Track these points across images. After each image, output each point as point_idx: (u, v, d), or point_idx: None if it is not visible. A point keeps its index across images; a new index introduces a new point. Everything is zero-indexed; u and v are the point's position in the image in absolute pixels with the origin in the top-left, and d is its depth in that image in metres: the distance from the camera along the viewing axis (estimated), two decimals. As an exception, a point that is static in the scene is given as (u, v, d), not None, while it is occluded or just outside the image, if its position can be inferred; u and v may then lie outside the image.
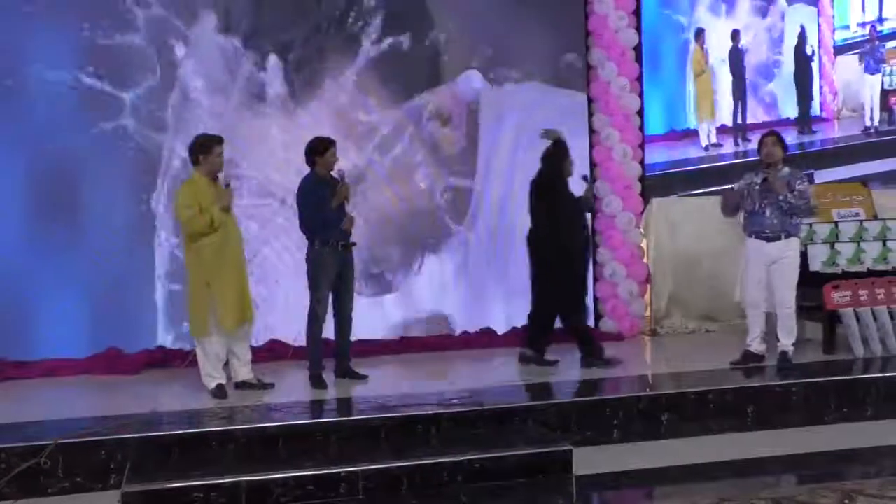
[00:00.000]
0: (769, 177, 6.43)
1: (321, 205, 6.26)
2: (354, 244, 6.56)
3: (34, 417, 5.64)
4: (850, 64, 10.26)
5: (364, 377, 6.53)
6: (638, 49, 8.39)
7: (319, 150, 6.36)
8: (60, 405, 6.07)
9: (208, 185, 6.06)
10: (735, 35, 9.67)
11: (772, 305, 6.69)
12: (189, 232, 6.03)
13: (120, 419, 5.48)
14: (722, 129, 9.68)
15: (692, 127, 9.54)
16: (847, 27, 10.29)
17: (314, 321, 6.39)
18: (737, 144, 9.77)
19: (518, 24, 8.12)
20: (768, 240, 6.50)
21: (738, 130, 9.73)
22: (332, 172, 6.40)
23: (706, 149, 9.58)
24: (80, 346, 7.15)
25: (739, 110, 9.74)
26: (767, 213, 6.47)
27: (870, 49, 10.28)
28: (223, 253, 6.04)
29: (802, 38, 9.98)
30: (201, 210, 5.95)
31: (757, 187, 6.54)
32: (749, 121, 9.72)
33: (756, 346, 6.78)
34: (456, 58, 8.05)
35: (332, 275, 6.35)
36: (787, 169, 6.50)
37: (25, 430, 5.31)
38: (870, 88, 10.33)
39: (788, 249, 6.52)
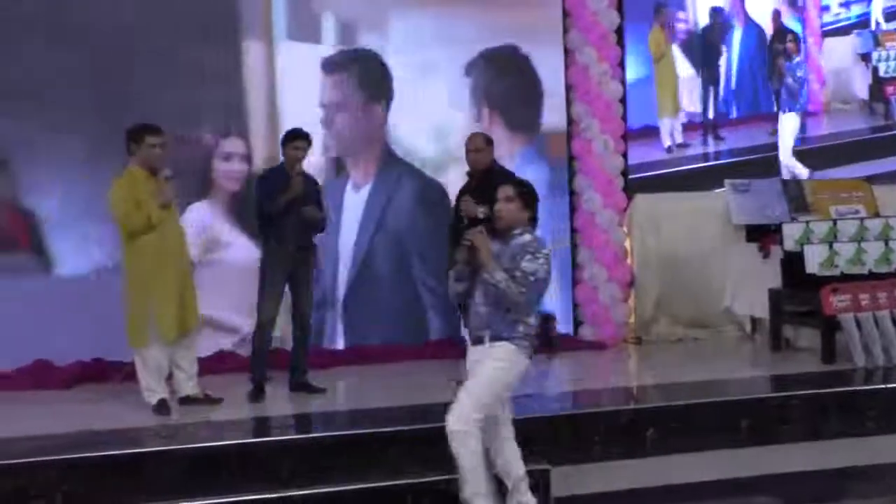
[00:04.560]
0: (475, 241, 4.61)
1: (272, 193, 6.26)
2: (315, 246, 6.53)
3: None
4: (839, 49, 9.77)
5: (321, 390, 6.47)
6: (620, 31, 8.40)
7: (283, 140, 6.44)
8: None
9: (146, 179, 5.98)
10: (715, 13, 9.11)
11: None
12: (126, 230, 5.96)
13: (48, 440, 5.39)
14: (690, 126, 9.04)
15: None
16: (828, 8, 9.80)
17: (257, 329, 6.39)
18: (705, 144, 9.21)
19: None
20: (472, 340, 4.78)
21: (709, 127, 9.12)
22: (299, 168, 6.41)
23: (668, 150, 8.99)
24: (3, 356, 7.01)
25: (711, 102, 9.13)
26: (477, 296, 4.71)
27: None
28: (162, 254, 5.96)
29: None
30: (137, 206, 5.88)
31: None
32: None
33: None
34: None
35: (280, 279, 6.31)
36: (528, 236, 4.70)
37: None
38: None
39: (489, 354, 4.67)
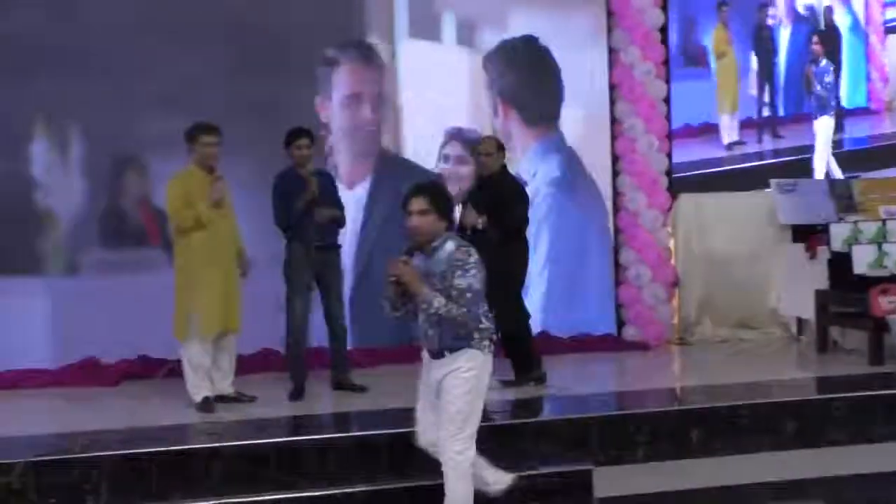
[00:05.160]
0: (398, 272, 4.43)
1: (289, 199, 6.27)
2: (339, 246, 6.54)
3: (4, 433, 5.61)
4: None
5: (363, 389, 6.49)
6: (665, 30, 8.34)
7: (286, 141, 6.37)
8: (31, 420, 6.05)
9: (202, 178, 6.07)
10: (762, 8, 9.21)
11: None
12: (175, 227, 6.06)
13: (95, 435, 5.45)
14: (747, 123, 9.06)
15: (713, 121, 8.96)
16: (893, 3, 9.60)
17: (289, 331, 6.42)
18: (760, 142, 9.18)
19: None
20: (431, 355, 4.60)
21: (766, 125, 9.13)
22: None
23: (728, 147, 9.01)
24: (52, 354, 7.14)
25: (766, 99, 9.13)
26: (421, 319, 4.55)
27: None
28: (209, 252, 6.03)
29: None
30: (188, 204, 5.96)
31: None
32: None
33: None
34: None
35: (307, 279, 6.33)
36: (451, 245, 4.50)
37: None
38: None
39: (455, 365, 4.48)
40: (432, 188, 4.54)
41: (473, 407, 4.46)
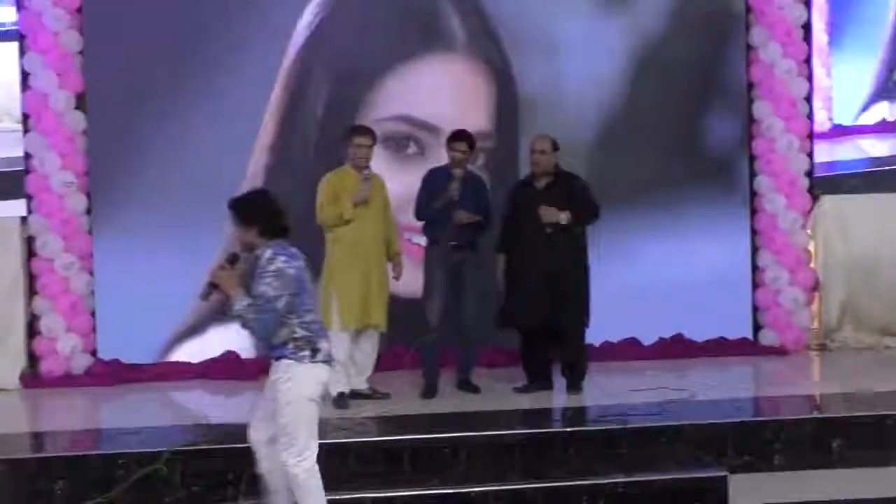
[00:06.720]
0: (215, 278, 4.47)
1: (430, 197, 6.33)
2: (475, 247, 6.51)
3: (152, 423, 5.87)
4: None
5: (476, 390, 6.50)
6: (807, 27, 8.07)
7: (447, 140, 6.49)
8: (178, 411, 6.28)
9: (355, 178, 6.22)
10: None
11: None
12: (320, 221, 6.24)
13: (237, 427, 5.59)
14: None
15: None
16: None
17: (428, 330, 6.46)
18: None
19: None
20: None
21: None
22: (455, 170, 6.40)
23: None
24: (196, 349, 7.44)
25: None
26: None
27: None
28: (350, 248, 6.19)
29: None
30: (335, 200, 6.13)
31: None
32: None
33: None
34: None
35: (440, 278, 6.37)
36: (268, 252, 4.43)
37: (141, 437, 5.54)
38: None
39: (276, 375, 4.49)
40: (234, 202, 4.54)
41: (297, 418, 4.41)
